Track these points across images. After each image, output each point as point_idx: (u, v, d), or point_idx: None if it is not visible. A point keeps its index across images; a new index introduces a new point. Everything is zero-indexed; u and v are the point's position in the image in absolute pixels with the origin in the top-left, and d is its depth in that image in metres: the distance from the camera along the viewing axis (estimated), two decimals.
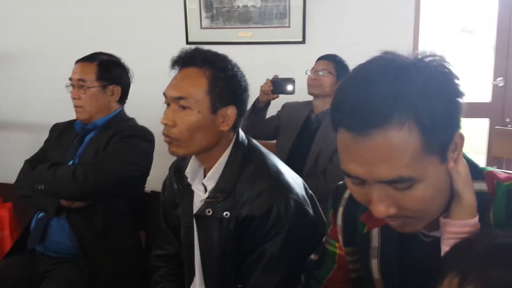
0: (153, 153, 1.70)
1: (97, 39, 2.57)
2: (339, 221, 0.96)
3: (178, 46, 2.63)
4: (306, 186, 1.26)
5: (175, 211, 1.32)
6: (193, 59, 1.16)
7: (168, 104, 1.17)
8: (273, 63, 2.44)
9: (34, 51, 2.81)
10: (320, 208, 1.25)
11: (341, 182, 0.98)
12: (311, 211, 1.20)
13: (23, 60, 2.83)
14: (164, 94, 1.18)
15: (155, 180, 1.74)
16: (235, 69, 1.18)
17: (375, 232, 0.88)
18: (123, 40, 2.54)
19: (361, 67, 0.71)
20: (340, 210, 0.96)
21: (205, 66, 1.14)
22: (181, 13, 2.60)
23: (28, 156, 1.75)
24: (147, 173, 1.69)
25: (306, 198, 1.21)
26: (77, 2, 2.70)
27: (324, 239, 1.04)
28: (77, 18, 2.70)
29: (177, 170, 1.32)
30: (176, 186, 1.32)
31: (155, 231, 1.73)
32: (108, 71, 1.66)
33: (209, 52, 1.19)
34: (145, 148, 1.66)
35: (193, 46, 1.22)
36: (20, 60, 2.83)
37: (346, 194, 0.95)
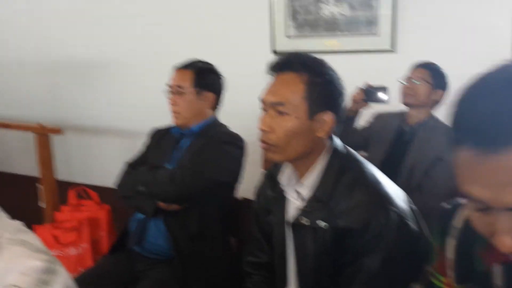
0: (244, 160, 1.72)
1: (187, 48, 2.66)
2: (451, 254, 0.86)
3: (264, 55, 2.67)
4: (410, 199, 1.20)
5: (268, 218, 1.31)
6: (290, 64, 1.15)
7: (265, 110, 1.17)
8: (361, 72, 2.38)
9: (130, 60, 2.97)
10: (423, 224, 1.18)
11: (446, 204, 0.89)
12: (414, 225, 1.13)
13: (120, 69, 3.01)
14: (261, 99, 1.17)
15: (247, 187, 1.76)
16: (332, 73, 1.15)
17: (496, 268, 0.77)
18: (209, 49, 2.61)
19: (486, 77, 0.63)
20: (451, 242, 0.86)
21: (303, 70, 1.12)
22: (267, 23, 2.63)
23: (123, 161, 1.84)
24: (238, 179, 1.72)
25: (409, 211, 1.15)
26: (169, 14, 2.83)
27: (428, 269, 0.96)
28: (169, 29, 2.83)
29: (271, 176, 1.32)
30: (269, 193, 1.31)
31: (245, 237, 1.74)
32: (203, 78, 1.70)
33: (306, 56, 1.17)
34: (237, 154, 1.68)
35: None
36: (118, 69, 3.02)
37: (457, 223, 0.85)
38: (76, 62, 3.14)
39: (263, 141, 1.15)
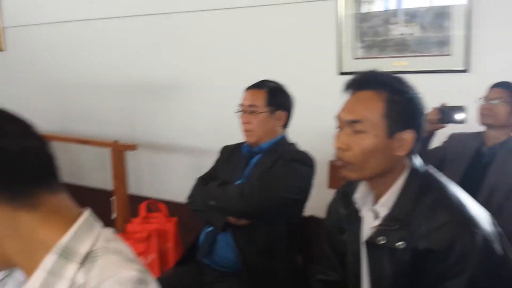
0: (313, 178, 1.71)
1: (255, 69, 2.72)
2: None
3: (330, 76, 2.66)
4: (495, 221, 1.13)
5: (340, 237, 1.29)
6: (368, 82, 1.14)
7: (340, 128, 1.16)
8: (432, 92, 2.32)
9: (199, 82, 3.09)
10: (508, 247, 1.11)
11: None
12: (499, 249, 1.07)
13: (190, 90, 3.12)
14: (336, 117, 1.17)
15: (313, 205, 1.75)
16: (413, 91, 1.13)
17: None
18: (277, 70, 2.65)
19: None
20: None
21: (381, 88, 1.11)
22: (334, 44, 2.64)
23: (189, 177, 1.89)
24: (306, 198, 1.71)
25: (494, 234, 1.09)
26: (238, 38, 2.92)
27: None
28: (238, 51, 2.91)
29: (344, 194, 1.30)
30: (342, 211, 1.29)
31: (312, 255, 1.72)
32: (276, 97, 1.74)
33: (385, 74, 1.15)
34: (306, 172, 1.69)
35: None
36: (188, 90, 3.13)
37: None
38: (149, 83, 3.30)
39: (339, 158, 1.14)
